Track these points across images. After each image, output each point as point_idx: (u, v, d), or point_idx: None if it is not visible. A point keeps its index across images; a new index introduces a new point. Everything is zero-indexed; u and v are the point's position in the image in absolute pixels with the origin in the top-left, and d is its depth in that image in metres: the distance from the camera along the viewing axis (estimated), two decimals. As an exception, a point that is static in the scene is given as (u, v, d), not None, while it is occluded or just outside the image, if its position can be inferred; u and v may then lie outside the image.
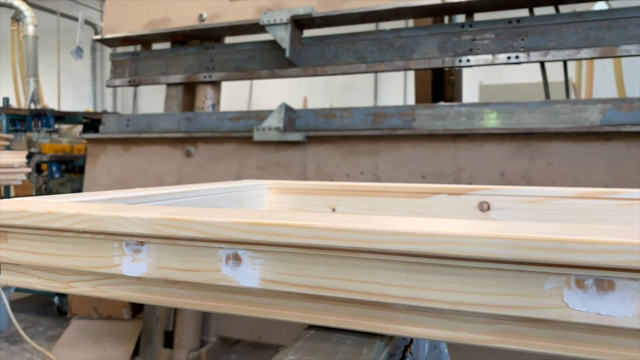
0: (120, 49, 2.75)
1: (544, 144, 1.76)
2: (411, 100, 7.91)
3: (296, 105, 3.00)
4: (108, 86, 2.66)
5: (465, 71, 2.60)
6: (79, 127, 6.10)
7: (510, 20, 1.88)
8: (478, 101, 2.40)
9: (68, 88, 10.20)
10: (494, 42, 1.90)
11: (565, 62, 1.97)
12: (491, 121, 1.84)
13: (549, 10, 1.93)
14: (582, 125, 1.71)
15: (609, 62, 4.78)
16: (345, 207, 0.98)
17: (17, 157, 2.26)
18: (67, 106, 8.56)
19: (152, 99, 10.21)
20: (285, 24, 2.09)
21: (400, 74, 8.27)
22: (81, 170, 4.28)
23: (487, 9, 1.97)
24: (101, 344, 2.44)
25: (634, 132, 1.63)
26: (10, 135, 2.88)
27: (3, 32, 7.65)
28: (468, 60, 1.93)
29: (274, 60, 2.24)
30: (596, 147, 1.69)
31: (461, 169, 1.85)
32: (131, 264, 0.51)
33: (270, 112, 2.13)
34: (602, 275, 0.36)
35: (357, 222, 0.42)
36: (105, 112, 8.11)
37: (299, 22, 2.14)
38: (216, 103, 2.48)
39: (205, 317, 2.26)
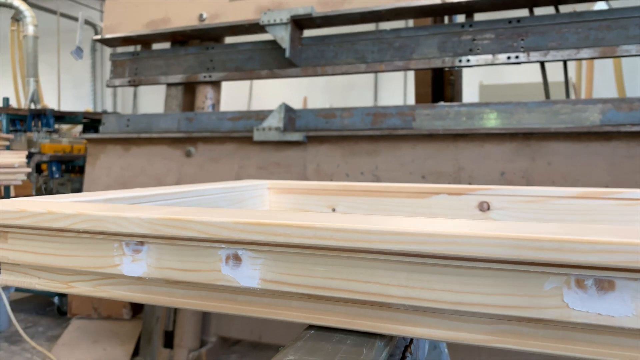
0: (120, 49, 2.75)
1: (544, 144, 1.76)
2: (411, 100, 7.91)
3: (296, 105, 3.00)
4: (108, 86, 2.66)
5: (465, 71, 2.61)
6: (79, 127, 6.10)
7: (510, 20, 1.88)
8: (478, 101, 2.40)
9: (68, 88, 10.20)
10: (494, 42, 1.90)
11: (565, 62, 1.97)
12: (491, 121, 1.84)
13: (549, 10, 1.93)
14: (582, 125, 1.71)
15: (609, 62, 4.78)
16: (345, 207, 0.98)
17: (17, 157, 2.26)
18: (67, 106, 8.57)
19: (152, 99, 10.21)
20: (285, 24, 2.09)
21: (400, 74, 8.27)
22: (81, 170, 4.28)
23: (487, 9, 1.97)
24: (101, 344, 2.44)
25: (634, 132, 1.63)
26: (10, 135, 2.88)
27: (3, 32, 7.65)
28: (468, 60, 1.93)
29: (274, 60, 2.24)
30: (596, 147, 1.69)
31: (461, 169, 1.85)
32: (131, 264, 0.51)
33: (270, 112, 2.13)
34: (602, 275, 0.36)
35: (357, 222, 0.42)
36: (105, 112, 8.11)
37: (299, 22, 2.14)
38: (216, 103, 2.48)
39: (205, 317, 2.26)
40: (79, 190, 3.98)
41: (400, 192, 0.93)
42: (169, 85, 2.51)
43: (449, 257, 0.39)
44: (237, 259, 0.47)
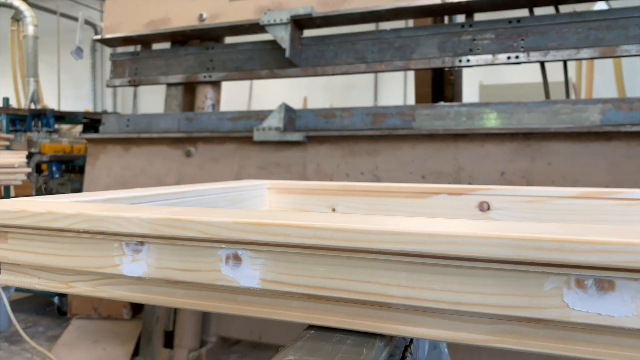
0: (120, 49, 2.75)
1: (544, 144, 1.76)
2: (411, 100, 7.91)
3: (296, 105, 3.00)
4: (108, 86, 2.66)
5: (465, 71, 2.61)
6: (79, 127, 6.10)
7: (510, 20, 1.88)
8: (478, 101, 2.40)
9: (68, 88, 10.20)
10: (494, 42, 1.90)
11: (565, 62, 1.97)
12: (491, 121, 1.84)
13: (549, 10, 1.93)
14: (582, 125, 1.71)
15: (609, 62, 4.78)
16: (345, 207, 0.98)
17: (17, 157, 2.26)
18: (67, 106, 8.57)
19: (152, 99, 10.21)
20: (285, 24, 2.09)
21: (400, 74, 8.27)
22: (81, 170, 4.28)
23: (487, 9, 1.97)
24: (101, 344, 2.44)
25: (634, 132, 1.63)
26: (10, 135, 2.88)
27: (3, 32, 7.65)
28: (468, 60, 1.93)
29: (274, 60, 2.24)
30: (596, 147, 1.69)
31: (461, 169, 1.85)
32: (131, 264, 0.51)
33: (270, 112, 2.13)
34: (602, 275, 0.36)
35: (357, 222, 0.42)
36: (105, 112, 8.11)
37: (299, 22, 2.14)
38: (216, 103, 2.48)
39: (205, 317, 2.26)
40: (79, 190, 3.99)
41: (400, 192, 0.93)
42: (169, 85, 2.51)
43: (449, 257, 0.39)
44: (237, 259, 0.47)
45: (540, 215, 0.85)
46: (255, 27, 2.24)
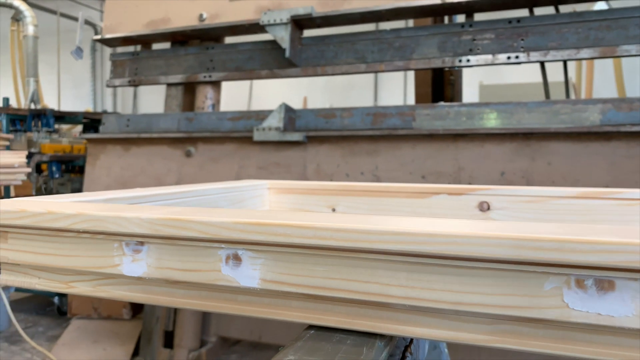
0: (120, 49, 2.75)
1: (544, 144, 1.76)
2: (411, 100, 7.91)
3: (296, 105, 3.00)
4: (108, 86, 2.66)
5: (465, 71, 2.61)
6: (79, 127, 6.10)
7: (510, 20, 1.88)
8: (478, 101, 2.40)
9: (68, 88, 10.20)
10: (494, 42, 1.90)
11: (565, 62, 1.97)
12: (491, 121, 1.84)
13: (549, 10, 1.93)
14: (582, 125, 1.71)
15: (609, 62, 4.78)
16: (345, 207, 0.98)
17: (17, 157, 2.26)
18: (67, 106, 8.57)
19: (152, 99, 10.22)
20: (285, 24, 2.09)
21: (400, 74, 8.27)
22: (81, 170, 4.28)
23: (487, 9, 1.97)
24: (101, 344, 2.44)
25: (634, 132, 1.63)
26: (10, 135, 2.88)
27: (3, 32, 7.65)
28: (468, 60, 1.93)
29: (274, 60, 2.24)
30: (596, 147, 1.69)
31: (461, 169, 1.85)
32: (131, 264, 0.51)
33: (270, 112, 2.13)
34: (602, 275, 0.36)
35: (357, 222, 0.42)
36: (105, 112, 8.11)
37: (299, 22, 2.14)
38: (216, 103, 2.48)
39: (205, 317, 2.26)
40: (79, 190, 3.99)
41: (400, 192, 0.93)
42: (169, 85, 2.51)
43: (449, 257, 0.39)
44: (237, 259, 0.47)
45: (540, 215, 0.85)
46: (255, 27, 2.24)
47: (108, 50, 9.63)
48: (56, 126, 5.00)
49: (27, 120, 4.64)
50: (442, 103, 2.15)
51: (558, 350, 0.39)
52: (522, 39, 1.86)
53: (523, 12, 1.94)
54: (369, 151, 1.98)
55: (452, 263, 0.40)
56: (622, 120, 1.67)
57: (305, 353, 0.42)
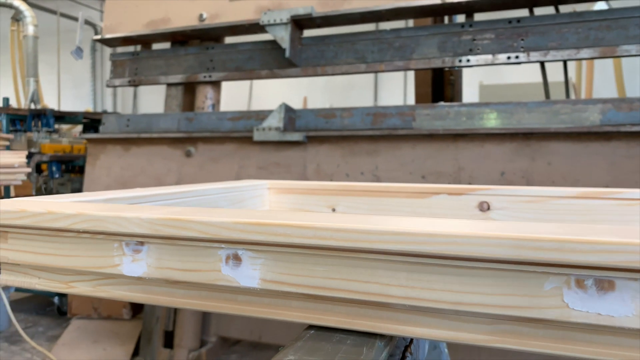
0: (120, 49, 2.75)
1: (544, 144, 1.76)
2: (411, 100, 7.91)
3: (296, 105, 3.00)
4: (108, 86, 2.66)
5: (465, 71, 2.61)
6: (79, 127, 6.10)
7: (510, 20, 1.88)
8: (478, 101, 2.40)
9: (68, 88, 10.20)
10: (494, 42, 1.90)
11: (565, 62, 1.97)
12: (491, 121, 1.84)
13: (549, 10, 1.93)
14: (582, 125, 1.71)
15: (609, 62, 4.78)
16: (345, 207, 0.98)
17: (17, 157, 2.26)
18: (67, 106, 8.57)
19: (152, 99, 10.22)
20: (285, 24, 2.09)
21: (400, 74, 8.27)
22: (81, 170, 4.28)
23: (487, 9, 1.97)
24: (101, 344, 2.44)
25: (634, 132, 1.63)
26: (10, 135, 2.88)
27: (3, 32, 7.65)
28: (468, 60, 1.93)
29: (274, 60, 2.24)
30: (596, 147, 1.69)
31: (461, 169, 1.85)
32: (131, 264, 0.51)
33: (270, 112, 2.13)
34: (602, 275, 0.36)
35: (357, 222, 0.42)
36: (105, 112, 8.11)
37: (299, 22, 2.14)
38: (216, 103, 2.48)
39: (205, 317, 2.26)
40: (79, 190, 3.99)
41: (400, 192, 0.93)
42: (169, 85, 2.51)
43: (449, 257, 0.39)
44: (237, 259, 0.47)
45: (540, 215, 0.85)
46: (255, 27, 2.24)
47: (108, 50, 9.63)
48: (56, 126, 5.00)
49: (27, 120, 4.64)
50: (442, 103, 2.15)
51: (558, 350, 0.39)
52: (522, 39, 1.86)
53: (523, 12, 1.94)
54: (369, 151, 1.98)
55: (452, 263, 0.40)
56: (622, 120, 1.67)
57: (305, 353, 0.42)
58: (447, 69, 2.49)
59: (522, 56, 1.85)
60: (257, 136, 2.10)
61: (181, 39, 2.48)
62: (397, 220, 0.43)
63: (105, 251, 0.52)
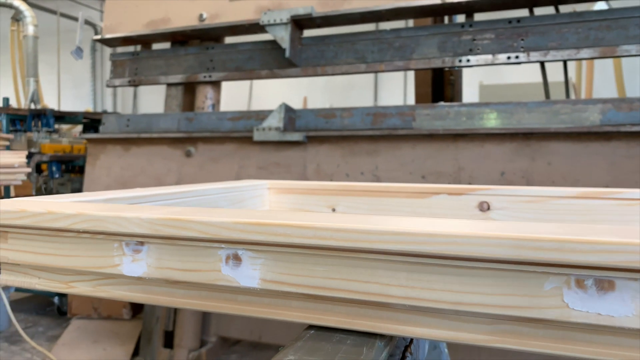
0: (120, 49, 2.75)
1: (544, 144, 1.76)
2: (411, 100, 7.91)
3: (296, 105, 3.00)
4: (108, 86, 2.66)
5: (465, 71, 2.61)
6: (79, 127, 6.10)
7: (510, 20, 1.88)
8: (478, 101, 2.40)
9: (68, 88, 10.20)
10: (494, 42, 1.90)
11: (565, 62, 1.97)
12: (491, 121, 1.84)
13: (549, 10, 1.93)
14: (582, 125, 1.71)
15: (609, 62, 4.78)
16: (345, 207, 0.98)
17: (17, 157, 2.26)
18: (67, 106, 8.57)
19: (152, 99, 10.21)
20: (285, 24, 2.09)
21: (400, 74, 8.27)
22: (81, 170, 4.28)
23: (487, 9, 1.97)
24: (101, 344, 2.44)
25: (634, 132, 1.63)
26: (10, 135, 2.88)
27: (3, 32, 7.65)
28: (468, 60, 1.93)
29: (274, 60, 2.24)
30: (596, 147, 1.69)
31: (461, 169, 1.85)
32: (131, 264, 0.51)
33: (270, 112, 2.13)
34: (602, 275, 0.36)
35: (357, 222, 0.42)
36: (105, 112, 8.11)
37: (299, 22, 2.14)
38: (216, 103, 2.48)
39: (205, 317, 2.26)
40: (79, 190, 3.99)
41: (400, 192, 0.93)
42: (169, 85, 2.51)
43: (449, 257, 0.39)
44: (237, 259, 0.47)
45: (540, 215, 0.85)
46: (255, 27, 2.24)
47: (108, 50, 9.63)
48: (56, 126, 5.00)
49: (27, 120, 4.64)
50: (442, 103, 2.15)
51: (558, 350, 0.39)
52: (522, 39, 1.86)
53: (523, 12, 1.94)
54: (369, 151, 1.98)
55: (452, 263, 0.40)
56: (622, 120, 1.67)
57: (305, 353, 0.42)
58: (447, 69, 2.49)
59: (522, 56, 1.85)
60: (257, 136, 2.10)
61: (181, 39, 2.48)
62: (397, 220, 0.43)
63: (105, 251, 0.52)
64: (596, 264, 0.35)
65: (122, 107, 10.97)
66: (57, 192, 4.07)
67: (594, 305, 0.36)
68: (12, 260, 0.57)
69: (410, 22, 2.48)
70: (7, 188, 2.81)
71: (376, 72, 2.21)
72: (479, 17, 1.98)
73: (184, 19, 2.37)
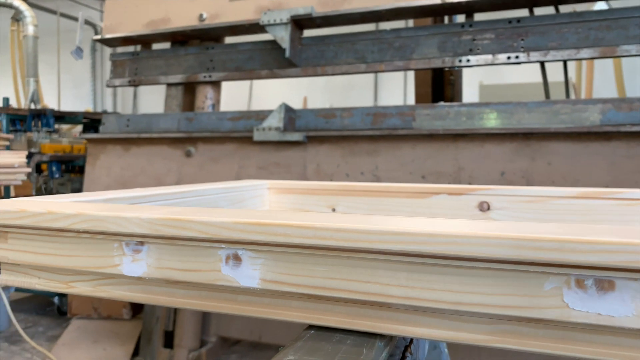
0: (120, 49, 2.75)
1: (544, 144, 1.76)
2: (411, 100, 7.91)
3: (296, 105, 3.00)
4: (108, 86, 2.66)
5: (465, 71, 2.61)
6: (79, 127, 6.10)
7: (510, 20, 1.88)
8: (478, 101, 2.40)
9: (68, 88, 10.20)
10: (494, 42, 1.90)
11: (565, 62, 1.97)
12: (491, 121, 1.84)
13: (549, 10, 1.93)
14: (582, 125, 1.71)
15: (609, 62, 4.78)
16: (345, 207, 0.98)
17: (17, 157, 2.26)
18: (67, 106, 8.57)
19: (152, 99, 10.21)
20: (285, 24, 2.09)
21: (400, 74, 8.27)
22: (81, 170, 4.28)
23: (487, 9, 1.97)
24: (101, 344, 2.44)
25: (634, 132, 1.63)
26: (10, 135, 2.88)
27: (3, 32, 7.65)
28: (468, 60, 1.93)
29: (274, 60, 2.24)
30: (596, 147, 1.69)
31: (461, 169, 1.85)
32: (131, 264, 0.51)
33: (270, 112, 2.13)
34: (602, 275, 0.36)
35: (357, 222, 0.42)
36: (105, 112, 8.11)
37: (299, 22, 2.14)
38: (216, 103, 2.48)
39: (205, 317, 2.26)
40: (79, 190, 3.99)
41: (400, 192, 0.93)
42: (169, 85, 2.51)
43: (449, 257, 0.39)
44: (237, 259, 0.47)
45: (540, 215, 0.85)
46: (255, 27, 2.24)
47: (108, 50, 9.63)
48: (56, 126, 5.00)
49: (27, 120, 4.64)
50: (442, 103, 2.15)
51: (558, 350, 0.39)
52: (522, 39, 1.86)
53: (523, 12, 1.94)
54: (369, 151, 1.98)
55: (452, 263, 0.40)
56: (622, 120, 1.67)
57: (305, 353, 0.42)
58: (447, 69, 2.49)
59: (522, 56, 1.85)
60: (257, 136, 2.10)
61: (181, 39, 2.48)
62: (397, 220, 0.43)
63: (105, 251, 0.52)
64: (596, 264, 0.35)
65: (122, 107, 10.97)
66: (57, 192, 4.07)
67: (594, 305, 0.36)
68: (12, 260, 0.57)
69: (410, 22, 2.48)
70: (7, 188, 2.81)
71: (376, 72, 2.21)
72: (479, 17, 1.98)
73: (184, 19, 2.37)
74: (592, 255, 0.35)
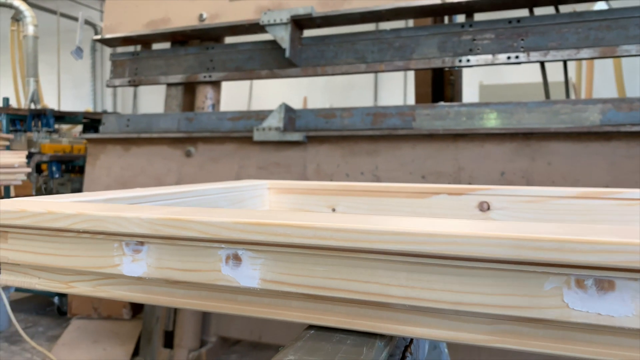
0: (120, 49, 2.75)
1: (544, 144, 1.76)
2: (411, 100, 7.91)
3: (296, 105, 3.00)
4: (108, 86, 2.66)
5: (465, 71, 2.61)
6: (79, 127, 6.10)
7: (510, 20, 1.88)
8: (478, 101, 2.40)
9: (68, 88, 10.20)
10: (494, 42, 1.90)
11: (565, 62, 1.97)
12: (491, 121, 1.84)
13: (549, 10, 1.93)
14: (582, 125, 1.71)
15: (609, 62, 4.78)
16: (345, 207, 0.98)
17: (17, 157, 2.26)
18: (67, 106, 8.57)
19: (152, 99, 10.21)
20: (285, 24, 2.09)
21: (400, 74, 8.27)
22: (81, 170, 4.28)
23: (487, 9, 1.97)
24: (101, 344, 2.44)
25: (634, 132, 1.63)
26: (10, 135, 2.88)
27: (3, 32, 7.65)
28: (468, 60, 1.93)
29: (274, 60, 2.24)
30: (596, 147, 1.69)
31: (461, 169, 1.85)
32: (131, 264, 0.51)
33: (270, 112, 2.13)
34: (602, 275, 0.36)
35: (357, 222, 0.42)
36: (105, 112, 8.11)
37: (299, 22, 2.14)
38: (216, 103, 2.48)
39: (205, 317, 2.26)
40: (79, 190, 3.99)
41: (400, 192, 0.93)
42: (169, 85, 2.51)
43: (449, 257, 0.39)
44: (237, 259, 0.47)
45: (540, 215, 0.85)
46: (255, 27, 2.24)
47: (108, 50, 9.63)
48: (56, 126, 5.00)
49: (27, 120, 4.64)
50: (442, 103, 2.15)
51: (558, 350, 0.39)
52: (522, 39, 1.86)
53: (523, 12, 1.94)
54: (369, 151, 1.98)
55: (452, 263, 0.40)
56: (622, 120, 1.67)
57: (305, 353, 0.42)
58: (447, 69, 2.49)
59: (522, 56, 1.85)
60: (257, 136, 2.10)
61: (181, 39, 2.48)
62: (397, 220, 0.43)
63: (105, 251, 0.52)
64: (596, 264, 0.35)
65: (122, 107, 10.97)
66: (57, 192, 4.08)
67: (594, 305, 0.36)
68: (12, 260, 0.57)
69: (410, 22, 2.48)
70: (7, 188, 2.81)
71: (376, 72, 2.21)
72: (479, 17, 1.98)
73: (184, 19, 2.37)
74: (592, 255, 0.35)
